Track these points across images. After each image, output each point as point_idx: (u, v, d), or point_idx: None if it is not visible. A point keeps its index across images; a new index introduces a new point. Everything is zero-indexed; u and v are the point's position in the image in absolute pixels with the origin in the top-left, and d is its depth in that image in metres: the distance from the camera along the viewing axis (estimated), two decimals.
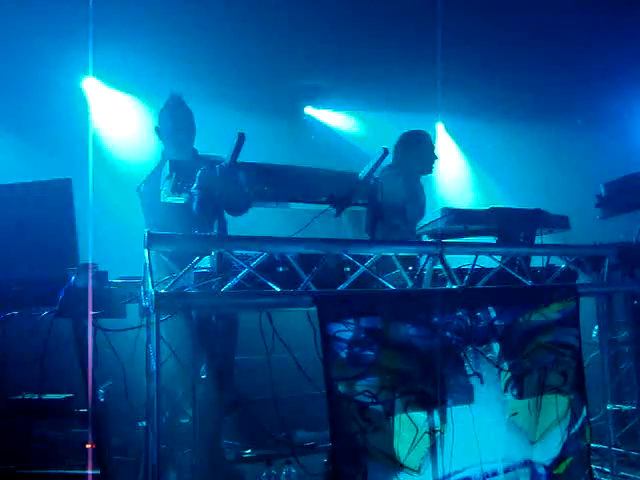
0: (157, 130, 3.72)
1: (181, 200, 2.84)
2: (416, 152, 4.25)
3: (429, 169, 4.33)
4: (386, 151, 2.82)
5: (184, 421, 3.45)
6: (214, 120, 5.22)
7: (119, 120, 6.27)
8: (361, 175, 2.87)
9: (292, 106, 6.92)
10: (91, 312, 2.50)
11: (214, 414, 3.00)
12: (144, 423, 2.59)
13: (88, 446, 4.20)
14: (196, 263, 2.50)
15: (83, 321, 2.57)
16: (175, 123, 3.62)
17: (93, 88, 6.10)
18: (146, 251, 2.36)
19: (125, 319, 2.79)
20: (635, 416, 3.63)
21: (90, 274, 2.56)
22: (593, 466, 3.19)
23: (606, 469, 3.38)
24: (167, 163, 2.75)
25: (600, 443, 3.48)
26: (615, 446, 3.38)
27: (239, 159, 2.72)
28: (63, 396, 2.72)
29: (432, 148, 4.32)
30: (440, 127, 7.60)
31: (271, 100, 6.39)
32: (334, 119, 7.38)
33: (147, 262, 2.34)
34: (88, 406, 2.65)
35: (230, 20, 5.20)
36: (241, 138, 2.63)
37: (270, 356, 2.87)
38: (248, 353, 3.86)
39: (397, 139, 4.34)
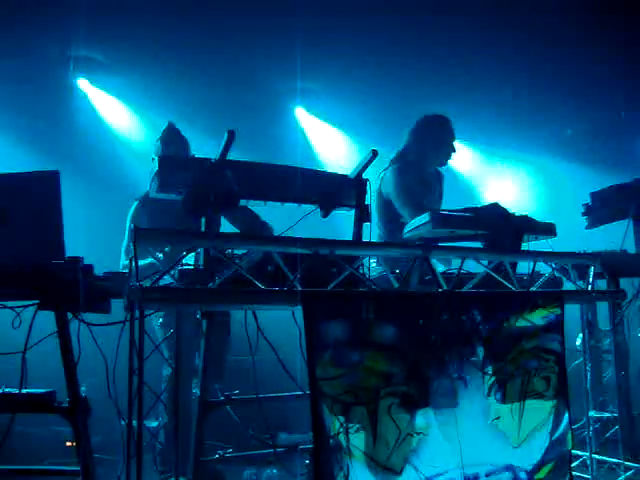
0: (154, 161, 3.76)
1: (170, 196, 2.83)
2: (434, 139, 3.80)
3: (444, 160, 3.92)
4: (375, 153, 2.83)
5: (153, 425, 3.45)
6: (206, 124, 5.25)
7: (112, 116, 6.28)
8: (350, 176, 2.88)
9: (282, 107, 6.93)
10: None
11: (196, 413, 2.98)
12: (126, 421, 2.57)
13: (69, 444, 4.16)
14: (181, 260, 2.49)
15: (66, 314, 2.55)
16: (170, 153, 3.66)
17: (87, 87, 6.11)
18: (132, 246, 2.34)
19: (109, 314, 2.78)
20: (616, 424, 3.66)
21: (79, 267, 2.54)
22: (574, 472, 3.20)
23: (586, 475, 3.40)
24: (155, 158, 2.75)
25: (581, 450, 3.49)
26: (596, 453, 3.40)
27: (228, 157, 2.72)
28: (44, 390, 2.69)
29: (452, 138, 3.88)
30: None
31: (261, 101, 6.40)
32: (320, 128, 7.30)
33: (133, 256, 2.32)
34: (69, 402, 2.63)
35: (220, 22, 5.21)
36: (231, 135, 2.63)
37: (254, 356, 2.86)
38: (232, 353, 3.86)
39: (414, 124, 3.90)
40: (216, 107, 5.99)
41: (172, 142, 3.76)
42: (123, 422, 2.71)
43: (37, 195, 2.64)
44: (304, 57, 5.51)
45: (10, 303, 2.58)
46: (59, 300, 2.53)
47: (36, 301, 2.55)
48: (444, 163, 4.01)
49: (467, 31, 5.48)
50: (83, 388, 2.86)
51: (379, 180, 3.90)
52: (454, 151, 3.95)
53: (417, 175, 3.84)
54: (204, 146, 3.77)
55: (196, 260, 2.65)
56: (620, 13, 5.24)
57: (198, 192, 2.64)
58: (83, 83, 6.08)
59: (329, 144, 7.23)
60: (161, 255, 2.80)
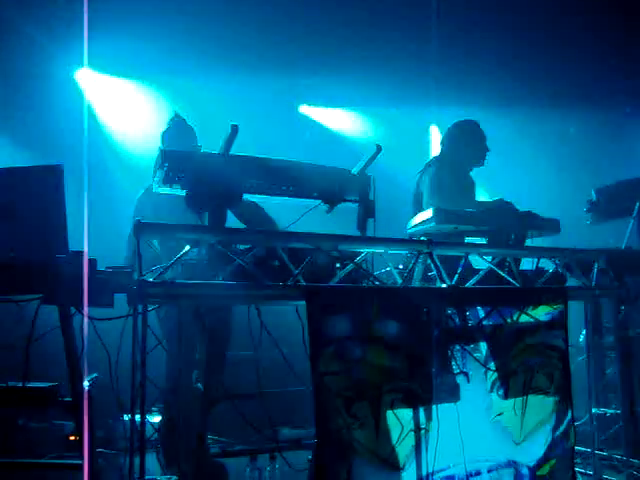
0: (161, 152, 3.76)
1: (176, 191, 2.82)
2: (466, 142, 4.03)
3: (480, 161, 4.11)
4: (379, 148, 2.82)
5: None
6: (210, 114, 5.23)
7: (117, 108, 6.26)
8: (354, 171, 2.87)
9: (287, 104, 6.92)
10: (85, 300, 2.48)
11: (199, 407, 2.98)
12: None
13: (72, 438, 4.17)
14: (185, 254, 2.49)
15: (69, 308, 2.55)
16: (178, 144, 3.64)
17: (87, 78, 6.08)
18: (135, 240, 2.34)
19: (113, 309, 2.78)
20: (619, 421, 3.65)
21: (86, 261, 2.54)
22: (576, 469, 3.20)
23: (589, 472, 3.39)
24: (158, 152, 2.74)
25: (584, 446, 3.49)
26: (599, 449, 3.39)
27: (232, 152, 2.72)
28: (47, 384, 2.70)
29: (484, 139, 4.10)
30: (434, 129, 7.61)
31: (266, 97, 6.38)
32: (328, 116, 7.36)
33: (136, 251, 2.32)
34: (72, 396, 2.63)
35: (226, 13, 5.20)
36: (234, 130, 2.62)
37: (257, 351, 2.86)
38: (235, 348, 3.86)
39: (445, 131, 4.18)
40: (217, 102, 5.97)
41: (177, 133, 3.73)
42: (126, 416, 2.72)
43: (41, 189, 2.63)
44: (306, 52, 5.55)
45: (15, 297, 2.58)
46: (62, 294, 2.53)
47: (39, 295, 2.55)
48: (481, 163, 4.15)
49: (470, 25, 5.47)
50: (86, 383, 2.87)
51: (415, 184, 3.98)
52: (488, 150, 4.11)
53: (453, 176, 3.92)
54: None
55: (199, 254, 2.64)
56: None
57: (202, 187, 2.64)
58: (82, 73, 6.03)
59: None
60: (156, 247, 2.78)
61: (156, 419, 3.70)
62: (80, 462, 2.62)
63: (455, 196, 3.75)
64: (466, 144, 4.03)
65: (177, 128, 3.74)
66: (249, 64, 5.86)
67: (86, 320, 2.61)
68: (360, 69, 6.06)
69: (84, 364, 2.69)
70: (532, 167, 6.87)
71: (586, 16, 5.28)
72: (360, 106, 7.25)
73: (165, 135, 3.81)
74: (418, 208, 3.82)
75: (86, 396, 2.62)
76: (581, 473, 3.39)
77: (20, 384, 2.63)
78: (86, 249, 2.59)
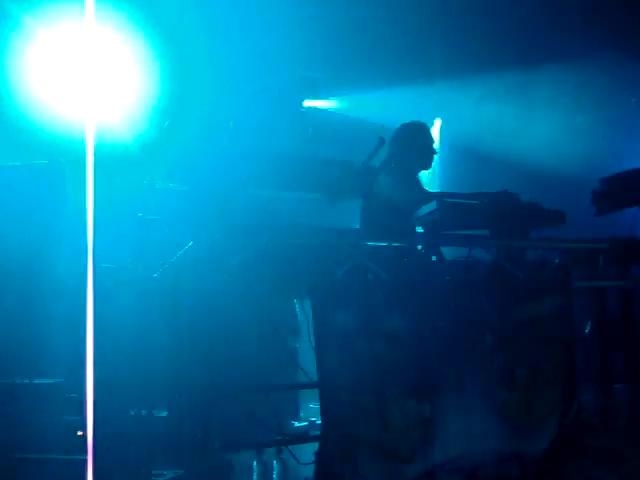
0: None
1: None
2: (414, 145, 3.97)
3: (428, 164, 4.07)
4: (382, 140, 2.81)
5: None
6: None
7: None
8: (356, 164, 2.86)
9: (290, 98, 6.90)
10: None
11: (204, 402, 2.98)
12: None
13: (80, 433, 4.19)
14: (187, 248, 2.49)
15: None
16: None
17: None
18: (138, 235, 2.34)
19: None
20: (624, 411, 3.64)
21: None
22: (581, 459, 3.20)
23: (592, 462, 3.39)
24: None
25: (589, 436, 3.48)
26: (603, 440, 3.39)
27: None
28: (53, 381, 2.71)
29: (431, 141, 4.06)
30: (438, 123, 7.58)
31: (270, 91, 6.36)
32: (331, 105, 7.34)
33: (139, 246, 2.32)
34: (80, 392, 2.64)
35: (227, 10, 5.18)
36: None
37: (263, 344, 2.86)
38: (241, 342, 3.86)
39: (393, 132, 4.06)
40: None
41: None
42: (132, 412, 2.73)
43: (43, 185, 2.64)
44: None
45: None
46: None
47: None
48: (429, 166, 4.10)
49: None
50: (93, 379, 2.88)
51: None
52: (435, 153, 4.09)
53: (401, 179, 3.89)
54: None
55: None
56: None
57: None
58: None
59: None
60: None
61: (162, 414, 3.71)
62: (85, 458, 2.64)
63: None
64: (415, 148, 3.96)
65: None
66: (252, 53, 5.85)
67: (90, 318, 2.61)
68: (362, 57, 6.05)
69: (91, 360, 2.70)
70: (538, 157, 6.85)
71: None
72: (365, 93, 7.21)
73: None
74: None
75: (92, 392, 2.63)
76: (587, 463, 3.38)
77: (27, 380, 2.65)
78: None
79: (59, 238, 2.65)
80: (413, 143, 3.98)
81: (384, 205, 3.68)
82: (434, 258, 2.87)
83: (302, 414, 3.94)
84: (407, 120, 4.10)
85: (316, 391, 2.51)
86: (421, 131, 4.04)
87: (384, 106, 6.86)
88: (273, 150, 2.87)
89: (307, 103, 7.15)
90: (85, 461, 2.63)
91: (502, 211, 3.27)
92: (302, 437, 3.06)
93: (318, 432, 2.64)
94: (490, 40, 5.97)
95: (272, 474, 3.02)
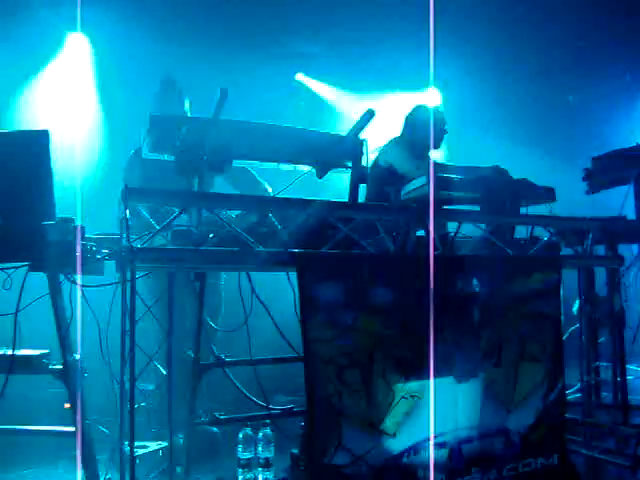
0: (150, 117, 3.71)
1: (164, 156, 2.78)
2: (426, 125, 4.05)
3: (437, 144, 4.17)
4: (372, 112, 2.77)
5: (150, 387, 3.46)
6: (205, 83, 5.13)
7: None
8: (345, 136, 2.81)
9: (283, 71, 6.81)
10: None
11: (190, 375, 2.98)
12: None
13: (67, 406, 4.17)
14: (174, 219, 2.45)
15: (58, 276, 2.52)
16: (167, 106, 3.59)
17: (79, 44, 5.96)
18: (123, 205, 2.30)
19: (102, 276, 2.75)
20: (609, 389, 3.67)
21: (79, 230, 2.50)
22: (566, 436, 3.22)
23: (579, 439, 3.42)
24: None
25: (574, 413, 3.51)
26: (588, 417, 3.41)
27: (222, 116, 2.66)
28: (37, 352, 2.68)
29: (443, 123, 4.17)
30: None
31: (262, 63, 6.28)
32: (324, 90, 7.26)
33: (124, 216, 2.28)
34: (62, 364, 2.62)
35: None
36: (223, 94, 2.56)
37: (248, 318, 2.85)
38: (227, 316, 3.84)
39: (409, 111, 4.21)
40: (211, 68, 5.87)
41: (165, 96, 3.68)
42: (117, 384, 2.71)
43: (27, 154, 2.58)
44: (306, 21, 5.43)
45: (1, 265, 2.55)
46: (50, 262, 2.50)
47: (27, 263, 2.52)
48: (438, 146, 4.18)
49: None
50: (77, 353, 2.86)
51: (378, 155, 3.93)
52: (446, 133, 4.15)
53: (411, 155, 3.94)
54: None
55: (189, 221, 2.61)
56: None
57: (190, 152, 2.58)
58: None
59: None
60: (146, 214, 2.73)
61: (146, 386, 3.70)
62: (74, 429, 2.63)
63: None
64: (426, 128, 4.03)
65: (166, 90, 3.69)
66: (246, 29, 5.76)
67: (79, 289, 2.59)
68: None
69: (75, 332, 2.68)
70: (529, 135, 6.82)
71: None
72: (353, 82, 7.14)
73: (155, 97, 3.77)
74: (376, 176, 3.78)
75: (75, 364, 2.61)
76: (571, 440, 3.41)
77: (10, 351, 2.61)
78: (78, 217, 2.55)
79: (42, 206, 2.59)
80: (425, 123, 4.06)
81: (390, 178, 3.68)
82: (422, 232, 2.84)
83: (288, 388, 3.94)
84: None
85: (302, 365, 2.49)
86: (434, 112, 4.15)
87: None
88: (263, 122, 2.80)
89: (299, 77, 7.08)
90: (73, 432, 2.63)
91: (492, 187, 3.25)
92: (288, 411, 3.05)
93: (304, 407, 2.63)
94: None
95: (257, 447, 3.03)
